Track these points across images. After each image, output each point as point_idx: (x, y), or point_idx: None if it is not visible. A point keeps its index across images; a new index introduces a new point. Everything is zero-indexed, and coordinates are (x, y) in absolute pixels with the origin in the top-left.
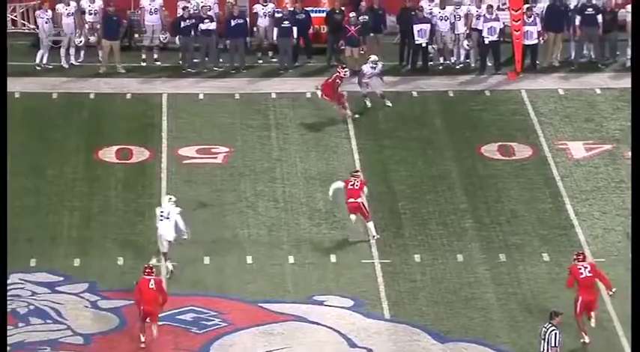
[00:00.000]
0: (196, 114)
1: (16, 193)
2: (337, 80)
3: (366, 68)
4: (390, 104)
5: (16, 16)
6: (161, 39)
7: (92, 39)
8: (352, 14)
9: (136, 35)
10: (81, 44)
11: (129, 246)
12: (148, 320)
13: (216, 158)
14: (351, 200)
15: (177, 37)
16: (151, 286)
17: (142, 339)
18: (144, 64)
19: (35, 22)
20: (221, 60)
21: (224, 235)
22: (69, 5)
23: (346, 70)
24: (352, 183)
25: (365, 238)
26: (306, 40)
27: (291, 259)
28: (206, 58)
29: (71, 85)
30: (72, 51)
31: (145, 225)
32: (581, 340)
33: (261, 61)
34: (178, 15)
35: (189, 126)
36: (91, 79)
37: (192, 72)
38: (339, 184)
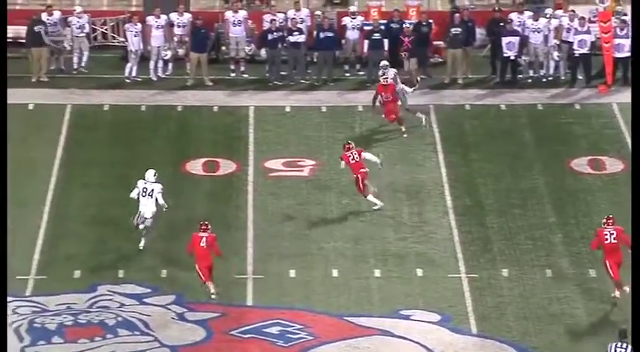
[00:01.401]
0: (283, 126)
1: (103, 205)
2: (381, 93)
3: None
4: (424, 122)
5: (106, 29)
6: (246, 51)
7: (180, 51)
8: (407, 25)
9: (223, 48)
10: (169, 57)
11: (215, 258)
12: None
13: (302, 171)
14: (362, 170)
15: (263, 50)
16: (202, 244)
17: (212, 290)
18: (232, 75)
19: (125, 35)
20: (309, 71)
21: (310, 248)
22: (159, 18)
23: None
24: (351, 156)
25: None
26: (425, 49)
27: (377, 273)
28: (294, 71)
29: (159, 98)
30: (160, 63)
31: (232, 237)
32: (612, 295)
33: (348, 74)
34: (265, 27)
35: (276, 139)
36: (179, 91)
37: (279, 84)
38: (343, 164)
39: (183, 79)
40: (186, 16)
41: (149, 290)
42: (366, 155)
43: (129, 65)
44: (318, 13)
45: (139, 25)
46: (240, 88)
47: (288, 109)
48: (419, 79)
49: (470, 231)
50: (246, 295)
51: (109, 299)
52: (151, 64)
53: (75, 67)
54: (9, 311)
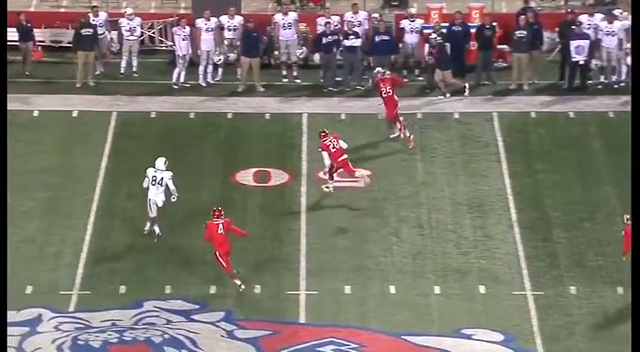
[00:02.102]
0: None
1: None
2: (381, 86)
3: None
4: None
5: (153, 33)
6: (297, 55)
7: (231, 56)
8: (431, 34)
9: (276, 52)
10: (220, 62)
11: (266, 273)
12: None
13: (357, 181)
14: (342, 157)
15: (317, 54)
16: (220, 232)
17: (238, 283)
18: (285, 81)
19: (172, 38)
20: (365, 76)
21: (366, 263)
22: (208, 21)
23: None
24: (330, 145)
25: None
26: (461, 56)
27: (436, 289)
28: (349, 76)
29: (208, 105)
30: (210, 69)
31: (284, 251)
32: None
33: (406, 80)
34: (319, 31)
35: None
36: (229, 98)
37: (334, 90)
38: (325, 155)
39: (233, 85)
40: (237, 19)
41: (197, 307)
42: (341, 142)
43: (177, 70)
44: (375, 15)
45: (188, 29)
46: (292, 94)
47: (343, 117)
48: (466, 86)
49: (535, 246)
50: (299, 312)
51: (156, 316)
52: (200, 69)
53: (122, 71)
54: (51, 327)
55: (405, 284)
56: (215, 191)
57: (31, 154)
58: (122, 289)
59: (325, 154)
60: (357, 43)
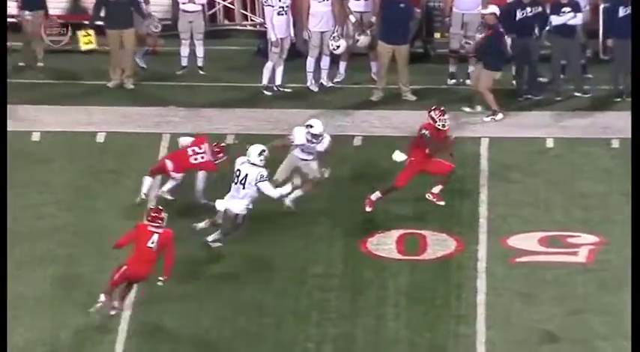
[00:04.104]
0: (538, 173)
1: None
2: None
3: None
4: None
5: (231, 2)
6: (476, 37)
7: (362, 41)
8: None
9: (438, 35)
10: (342, 50)
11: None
12: (124, 284)
13: (575, 254)
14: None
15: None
16: (150, 244)
17: (109, 305)
18: (451, 82)
19: (262, 12)
20: (587, 75)
21: None
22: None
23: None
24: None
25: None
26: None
27: None
28: (561, 76)
29: (323, 123)
30: (325, 62)
31: None
32: None
33: None
34: None
35: (523, 196)
36: (357, 111)
37: (535, 99)
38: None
39: (364, 90)
40: None
41: None
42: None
43: (269, 65)
44: None
45: None
46: (461, 105)
47: (550, 144)
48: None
49: None
50: None
51: None
52: (309, 62)
53: (184, 64)
54: None
55: None
56: (333, 262)
57: (28, 208)
58: None
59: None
60: (576, 19)
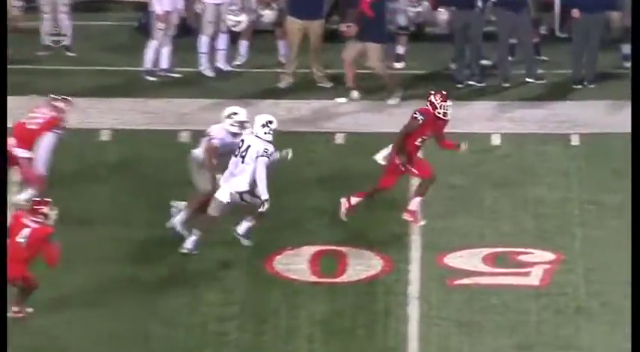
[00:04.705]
0: (477, 177)
1: None
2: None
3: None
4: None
5: None
6: (411, 15)
7: (266, 16)
8: None
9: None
10: (242, 28)
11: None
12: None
13: (527, 274)
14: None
15: (441, 10)
16: (20, 239)
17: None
18: (399, 66)
19: None
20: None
21: None
22: None
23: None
24: None
25: None
26: None
27: None
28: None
29: (218, 114)
30: (223, 41)
31: None
32: None
33: None
34: None
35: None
36: (264, 101)
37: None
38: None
39: (269, 75)
40: None
41: None
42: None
43: (153, 44)
44: None
45: None
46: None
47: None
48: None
49: None
50: None
51: None
52: (203, 42)
53: (47, 44)
54: None
55: None
56: (232, 285)
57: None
58: None
59: None
60: None
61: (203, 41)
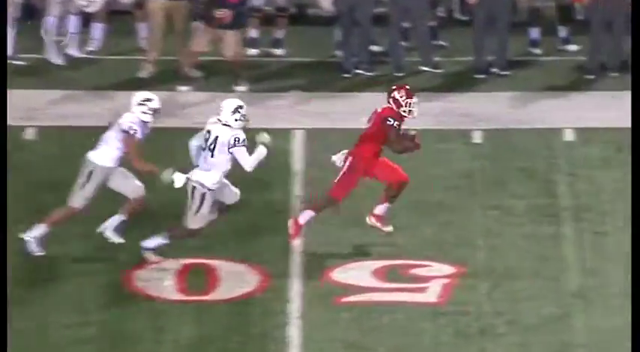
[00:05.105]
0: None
1: None
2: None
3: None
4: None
5: None
6: None
7: None
8: None
9: None
10: (95, 9)
11: None
12: None
13: (424, 290)
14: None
15: None
16: None
17: None
18: (255, 53)
19: None
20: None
21: None
22: None
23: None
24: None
25: None
26: None
27: None
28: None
29: (66, 109)
30: (73, 23)
31: None
32: None
33: None
34: None
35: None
36: (117, 92)
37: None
38: None
39: (127, 62)
40: None
41: None
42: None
43: None
44: None
45: None
46: (272, 85)
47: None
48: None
49: None
50: None
51: None
52: (49, 22)
53: None
54: None
55: None
56: (88, 304)
57: None
58: None
59: None
60: None
61: (50, 23)
